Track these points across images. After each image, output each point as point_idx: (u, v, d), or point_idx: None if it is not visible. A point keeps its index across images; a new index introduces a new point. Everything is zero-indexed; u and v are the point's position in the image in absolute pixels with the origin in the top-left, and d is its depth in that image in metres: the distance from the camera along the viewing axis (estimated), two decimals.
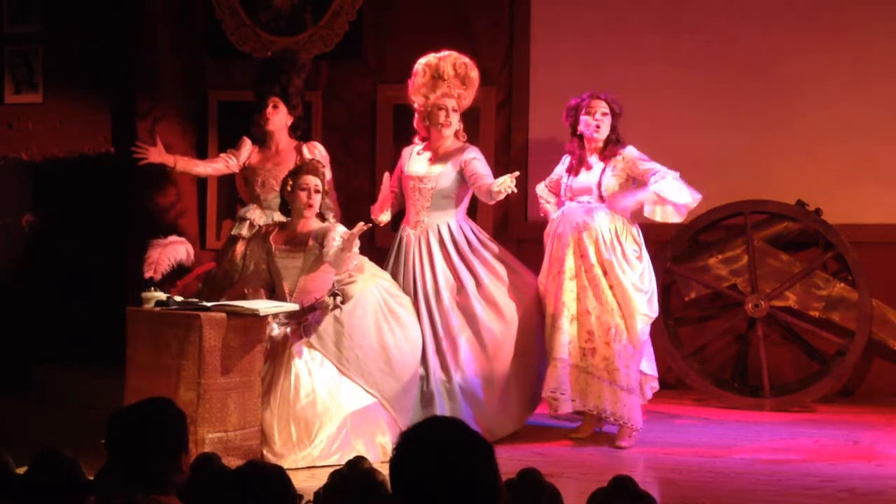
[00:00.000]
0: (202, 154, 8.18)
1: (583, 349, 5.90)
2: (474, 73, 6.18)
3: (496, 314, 5.99)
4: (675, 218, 6.00)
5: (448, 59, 6.17)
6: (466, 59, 6.20)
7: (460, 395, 5.93)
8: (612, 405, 5.85)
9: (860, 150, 7.36)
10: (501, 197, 5.88)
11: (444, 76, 6.14)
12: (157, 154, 6.30)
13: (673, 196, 5.88)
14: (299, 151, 6.32)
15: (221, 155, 6.51)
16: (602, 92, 6.07)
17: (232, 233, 6.39)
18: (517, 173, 5.87)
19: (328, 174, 6.23)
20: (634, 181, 6.03)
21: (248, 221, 6.25)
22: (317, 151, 6.35)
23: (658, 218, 5.97)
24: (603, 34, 7.78)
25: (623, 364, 5.86)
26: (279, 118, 6.32)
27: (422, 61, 6.19)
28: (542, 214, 6.48)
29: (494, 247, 6.19)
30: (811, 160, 7.43)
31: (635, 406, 5.91)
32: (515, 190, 5.84)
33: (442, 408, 5.87)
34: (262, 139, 6.42)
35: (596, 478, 4.63)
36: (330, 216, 6.10)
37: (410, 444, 2.22)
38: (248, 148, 6.42)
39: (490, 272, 6.06)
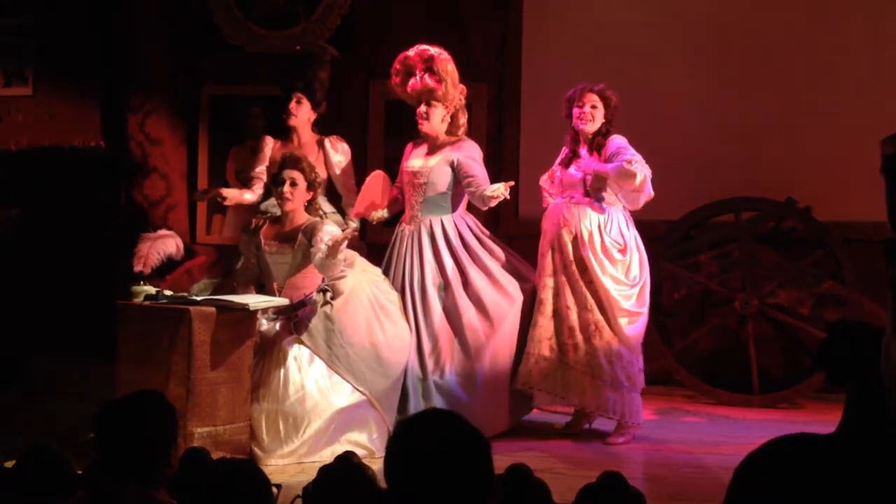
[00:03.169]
0: (193, 147, 8.17)
1: (564, 345, 5.90)
2: (444, 65, 6.03)
3: (481, 314, 5.96)
4: (627, 201, 5.92)
5: (416, 55, 6.09)
6: (434, 52, 6.07)
7: (436, 393, 5.88)
8: (594, 399, 5.86)
9: (851, 148, 7.36)
10: (494, 204, 5.87)
11: (412, 71, 6.11)
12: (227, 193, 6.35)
13: (634, 178, 5.78)
14: (321, 146, 6.34)
15: (256, 172, 6.40)
16: (597, 84, 6.03)
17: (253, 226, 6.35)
18: (512, 183, 5.84)
19: (345, 160, 6.32)
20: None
21: (269, 215, 6.22)
22: (339, 146, 6.38)
23: (619, 197, 5.93)
24: (594, 30, 7.78)
25: (605, 360, 5.85)
26: (303, 113, 6.31)
27: (396, 59, 6.14)
28: (544, 206, 6.47)
29: (494, 246, 6.14)
30: (802, 157, 7.44)
31: (630, 402, 5.89)
32: (508, 197, 5.82)
33: (416, 406, 5.83)
34: (285, 134, 6.41)
35: (585, 473, 4.63)
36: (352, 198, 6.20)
37: (406, 434, 2.22)
38: (269, 147, 6.41)
39: (481, 271, 6.03)
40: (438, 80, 6.03)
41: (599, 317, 5.88)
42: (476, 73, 6.43)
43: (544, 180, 6.31)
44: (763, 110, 7.52)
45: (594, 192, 5.96)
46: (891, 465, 1.83)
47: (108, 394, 4.96)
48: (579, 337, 5.88)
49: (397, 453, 2.21)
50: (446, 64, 6.06)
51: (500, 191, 5.72)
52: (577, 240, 5.92)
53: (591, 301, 5.89)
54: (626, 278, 5.92)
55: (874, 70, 7.42)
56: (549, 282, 5.95)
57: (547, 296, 5.94)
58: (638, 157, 5.83)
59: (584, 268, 5.91)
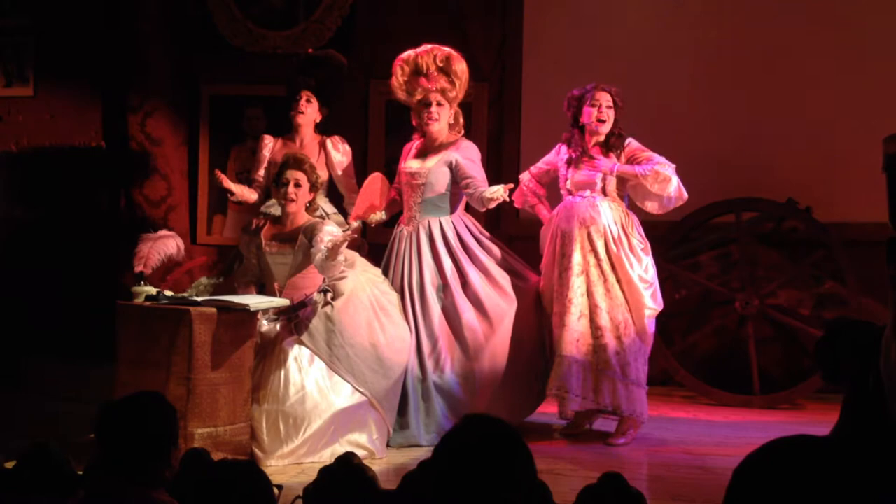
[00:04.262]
0: (193, 148, 8.17)
1: (594, 345, 5.86)
2: (460, 66, 6.06)
3: (480, 315, 5.95)
4: (657, 204, 5.93)
5: (427, 54, 6.08)
6: (448, 51, 6.08)
7: (436, 393, 5.88)
8: (626, 400, 5.84)
9: (851, 149, 7.37)
10: (493, 206, 5.86)
11: (423, 71, 6.08)
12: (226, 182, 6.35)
13: (670, 183, 5.84)
14: (323, 146, 6.38)
15: (258, 176, 6.45)
16: (607, 84, 6.03)
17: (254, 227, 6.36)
18: (511, 185, 5.85)
19: (346, 160, 6.37)
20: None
21: (270, 215, 6.23)
22: (340, 146, 6.42)
23: (642, 200, 5.94)
24: (594, 31, 7.78)
25: (633, 358, 5.85)
26: (311, 112, 6.37)
27: (399, 58, 6.11)
28: (517, 206, 6.45)
29: (492, 246, 6.12)
30: (803, 158, 7.44)
31: (643, 400, 5.90)
32: (508, 199, 5.82)
33: (415, 406, 5.84)
34: (288, 131, 6.44)
35: (586, 474, 4.64)
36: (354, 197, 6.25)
37: (460, 433, 2.30)
38: (268, 147, 6.43)
39: (480, 271, 6.02)
40: (451, 80, 6.04)
41: (628, 315, 5.87)
42: (476, 73, 6.41)
43: (528, 179, 6.29)
44: (764, 111, 7.52)
45: (614, 192, 5.94)
46: (888, 466, 1.83)
47: (108, 395, 4.97)
48: (609, 336, 5.84)
49: (449, 443, 2.26)
50: (462, 64, 6.08)
51: (500, 193, 5.71)
52: (606, 238, 5.90)
53: (621, 298, 5.87)
54: (647, 276, 5.93)
55: (875, 72, 7.41)
56: (579, 281, 5.89)
57: (574, 296, 5.88)
58: (665, 161, 5.85)
59: (613, 266, 5.89)
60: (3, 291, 7.82)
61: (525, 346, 6.02)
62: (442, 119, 6.06)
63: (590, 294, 5.88)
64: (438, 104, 6.04)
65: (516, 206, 6.50)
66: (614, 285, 5.88)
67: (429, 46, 6.12)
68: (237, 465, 3.19)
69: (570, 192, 6.04)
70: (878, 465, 1.82)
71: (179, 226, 7.78)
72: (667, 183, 5.82)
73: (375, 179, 6.29)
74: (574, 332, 5.84)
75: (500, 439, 2.28)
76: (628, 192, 5.99)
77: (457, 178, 6.03)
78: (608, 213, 5.92)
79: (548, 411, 6.30)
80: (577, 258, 5.90)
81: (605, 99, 5.95)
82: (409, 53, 6.11)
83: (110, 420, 3.04)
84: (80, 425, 4.99)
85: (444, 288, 6.00)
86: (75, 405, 5.86)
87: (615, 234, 5.89)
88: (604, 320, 5.85)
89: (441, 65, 6.06)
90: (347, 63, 6.59)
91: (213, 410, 5.24)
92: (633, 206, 6.06)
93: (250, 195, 6.46)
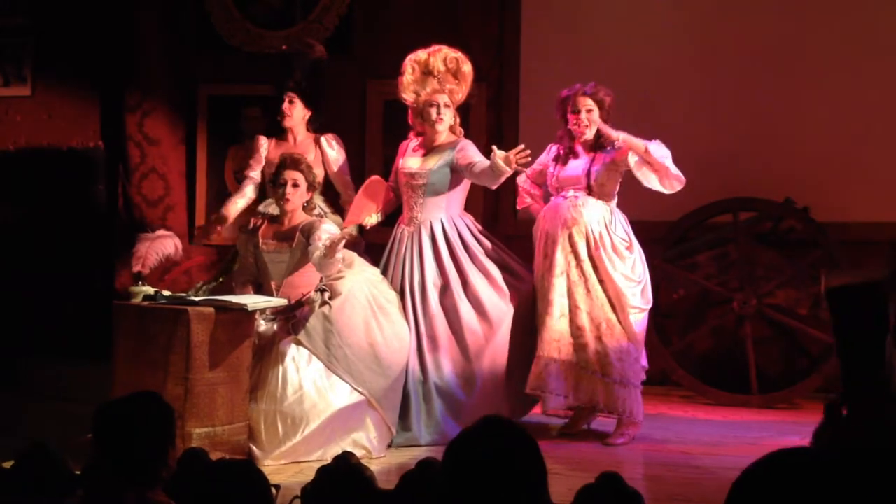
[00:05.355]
0: (191, 148, 8.17)
1: (575, 345, 5.88)
2: (466, 67, 6.11)
3: (480, 316, 5.95)
4: (657, 180, 5.87)
5: (438, 55, 6.11)
6: (458, 54, 6.13)
7: (436, 395, 5.88)
8: (605, 398, 5.85)
9: (849, 149, 7.38)
10: (506, 171, 5.77)
11: (433, 72, 6.09)
12: (217, 233, 6.28)
13: (669, 157, 5.82)
14: (318, 143, 6.35)
15: (249, 175, 6.36)
16: (589, 86, 6.01)
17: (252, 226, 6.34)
18: (522, 146, 5.78)
19: (341, 158, 6.31)
20: (620, 170, 5.98)
21: (269, 214, 6.21)
22: (335, 143, 6.39)
23: (646, 175, 5.89)
24: (593, 30, 7.78)
25: (616, 358, 5.85)
26: (297, 113, 6.31)
27: (410, 57, 6.14)
28: (518, 207, 6.46)
29: (492, 246, 6.13)
30: (800, 158, 7.44)
31: (634, 399, 5.89)
32: (529, 157, 5.76)
33: (417, 408, 5.85)
34: (281, 133, 6.43)
35: (583, 474, 4.63)
36: (350, 192, 6.24)
37: (470, 437, 2.34)
38: (264, 147, 6.40)
39: (481, 272, 6.02)
40: (459, 82, 6.07)
41: (611, 315, 5.87)
42: (475, 73, 6.42)
43: (524, 181, 6.30)
44: (762, 111, 7.52)
45: (600, 189, 5.91)
46: (889, 481, 1.83)
47: (105, 395, 4.96)
48: (590, 336, 5.86)
49: (457, 463, 2.29)
50: (468, 66, 6.13)
51: (511, 156, 5.68)
52: (588, 238, 5.90)
53: (603, 299, 5.88)
54: (632, 275, 5.93)
55: (874, 71, 7.41)
56: (560, 282, 5.91)
57: (555, 296, 5.90)
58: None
59: (595, 266, 5.90)
60: (1, 291, 7.82)
61: (523, 346, 6.02)
62: (447, 120, 6.08)
63: (570, 294, 5.90)
64: (445, 105, 6.05)
65: (518, 207, 6.51)
66: (595, 286, 5.88)
67: (438, 47, 6.15)
68: (235, 465, 3.19)
69: (556, 191, 6.05)
70: (878, 481, 1.82)
71: (177, 226, 7.78)
72: (667, 157, 5.82)
73: (373, 183, 6.27)
74: (554, 332, 5.87)
75: (515, 443, 2.29)
76: (640, 171, 5.90)
77: (460, 169, 6.01)
78: (591, 212, 5.92)
79: (555, 415, 6.28)
80: (559, 259, 5.92)
81: (583, 104, 5.95)
82: (419, 53, 6.13)
83: (108, 420, 3.04)
84: (78, 425, 4.98)
85: (445, 289, 6.00)
86: (73, 405, 5.85)
87: (596, 233, 5.90)
88: (584, 320, 5.86)
89: (451, 66, 6.09)
90: (326, 52, 6.51)
91: (211, 410, 5.24)
92: (620, 205, 6.06)
93: (237, 206, 6.34)
